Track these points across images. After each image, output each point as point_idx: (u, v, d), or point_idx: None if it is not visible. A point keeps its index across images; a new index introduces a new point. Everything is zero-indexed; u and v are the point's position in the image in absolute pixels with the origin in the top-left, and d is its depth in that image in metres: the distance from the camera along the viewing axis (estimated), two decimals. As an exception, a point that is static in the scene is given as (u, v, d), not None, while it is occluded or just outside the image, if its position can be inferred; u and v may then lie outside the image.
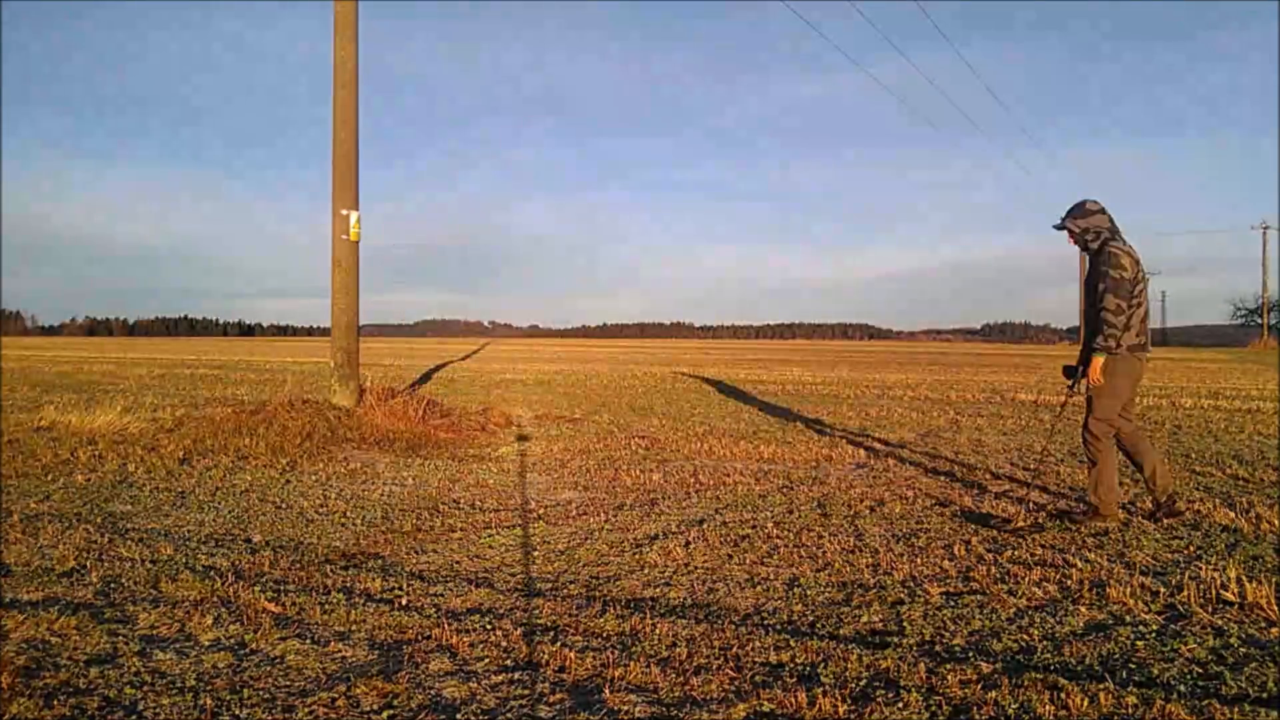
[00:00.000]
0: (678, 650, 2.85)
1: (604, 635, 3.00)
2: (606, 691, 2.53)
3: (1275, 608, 3.17)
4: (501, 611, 3.25)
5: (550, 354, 33.46)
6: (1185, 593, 3.39)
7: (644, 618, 3.15)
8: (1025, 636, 2.98)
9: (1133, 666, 2.72)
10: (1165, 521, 4.57)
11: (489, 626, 3.08)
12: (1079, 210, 4.61)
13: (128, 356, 26.84)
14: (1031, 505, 5.00)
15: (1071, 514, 4.71)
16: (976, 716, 2.38)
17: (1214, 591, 3.39)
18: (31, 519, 4.61)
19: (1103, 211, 4.58)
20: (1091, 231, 4.55)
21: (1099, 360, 4.46)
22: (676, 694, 2.52)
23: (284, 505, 5.11)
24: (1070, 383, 4.72)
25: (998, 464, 6.64)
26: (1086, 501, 4.68)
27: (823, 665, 2.73)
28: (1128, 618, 3.16)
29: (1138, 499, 5.26)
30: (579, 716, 2.39)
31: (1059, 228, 4.65)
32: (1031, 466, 6.45)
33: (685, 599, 3.41)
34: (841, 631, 3.05)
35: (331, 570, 3.78)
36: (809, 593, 3.47)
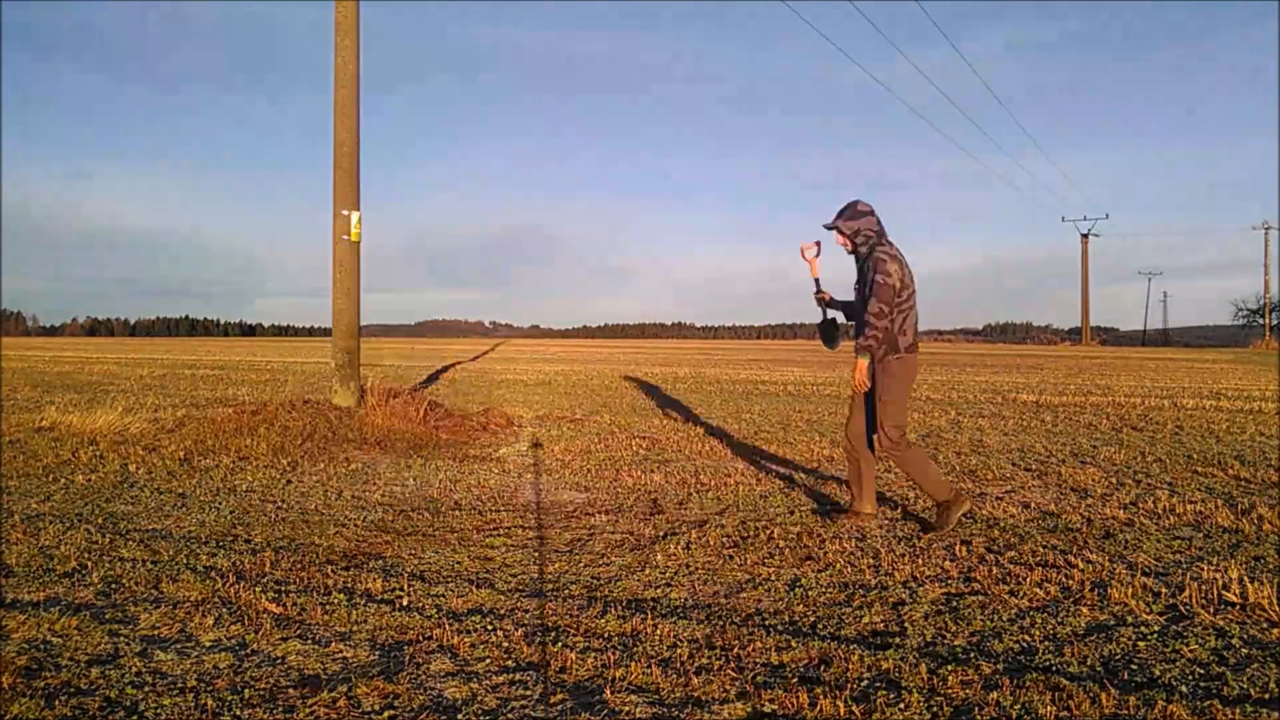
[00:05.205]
0: (679, 651, 2.85)
1: (605, 636, 3.00)
2: (608, 692, 2.53)
3: (1277, 608, 3.17)
4: (503, 612, 3.25)
5: (551, 354, 33.46)
6: (1187, 593, 3.38)
7: (645, 618, 3.15)
8: (1027, 637, 2.98)
9: (1134, 667, 2.72)
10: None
11: (490, 627, 3.08)
12: (849, 211, 4.56)
13: (129, 357, 26.85)
14: (1032, 505, 5.00)
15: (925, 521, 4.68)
16: (978, 717, 2.38)
17: (1216, 592, 3.39)
18: (33, 519, 4.61)
19: (872, 213, 4.55)
20: (862, 235, 4.53)
21: (862, 362, 4.49)
22: (678, 694, 2.52)
23: (285, 506, 5.11)
24: (829, 344, 5.00)
25: (999, 464, 6.64)
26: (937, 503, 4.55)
27: (824, 666, 2.73)
28: (1129, 618, 3.16)
29: (1140, 499, 5.26)
30: (580, 717, 2.39)
31: (829, 228, 4.61)
32: (1033, 466, 6.45)
33: (686, 599, 3.41)
34: (843, 632, 3.05)
35: (333, 571, 3.78)
36: (810, 593, 3.47)
